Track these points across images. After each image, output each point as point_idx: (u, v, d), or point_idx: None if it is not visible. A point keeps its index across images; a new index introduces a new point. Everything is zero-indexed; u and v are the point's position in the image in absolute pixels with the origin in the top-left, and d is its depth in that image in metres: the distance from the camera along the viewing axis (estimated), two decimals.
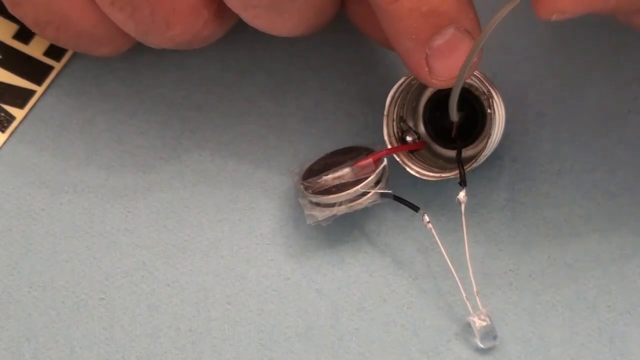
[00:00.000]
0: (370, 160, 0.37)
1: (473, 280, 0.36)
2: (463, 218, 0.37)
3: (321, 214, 0.37)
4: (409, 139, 0.39)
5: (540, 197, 0.39)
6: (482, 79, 0.37)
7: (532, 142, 0.40)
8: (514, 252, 0.38)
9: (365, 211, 0.38)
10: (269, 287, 0.38)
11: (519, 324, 0.37)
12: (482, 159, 0.37)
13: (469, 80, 0.37)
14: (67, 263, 0.38)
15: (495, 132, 0.37)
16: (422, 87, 0.40)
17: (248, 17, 0.36)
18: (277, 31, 0.37)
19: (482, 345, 0.36)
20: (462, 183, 0.37)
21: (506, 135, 0.40)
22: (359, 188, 0.37)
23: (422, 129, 0.40)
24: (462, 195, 0.37)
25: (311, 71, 0.42)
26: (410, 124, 0.40)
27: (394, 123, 0.39)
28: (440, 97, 0.39)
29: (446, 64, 0.35)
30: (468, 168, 0.37)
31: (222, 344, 0.37)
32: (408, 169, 0.39)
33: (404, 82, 0.38)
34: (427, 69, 0.35)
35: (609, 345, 0.36)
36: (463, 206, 0.37)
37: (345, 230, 0.39)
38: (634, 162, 0.40)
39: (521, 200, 0.39)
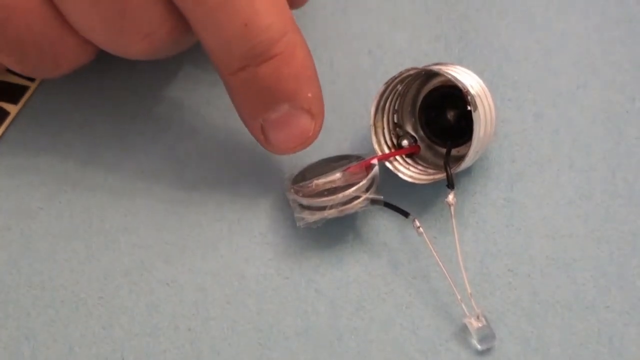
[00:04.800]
0: (361, 165, 0.38)
1: (467, 283, 0.36)
2: (453, 220, 0.37)
3: (311, 217, 0.37)
4: (405, 143, 0.39)
5: (540, 197, 0.39)
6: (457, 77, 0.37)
7: (532, 143, 0.40)
8: (513, 252, 0.38)
9: (365, 212, 0.38)
10: (268, 287, 0.38)
11: (518, 323, 0.37)
12: (470, 157, 0.37)
13: (453, 74, 0.37)
14: (66, 262, 0.39)
15: (479, 131, 0.37)
16: (417, 91, 0.40)
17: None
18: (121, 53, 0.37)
19: (479, 347, 0.36)
20: (450, 185, 0.37)
21: (506, 135, 0.40)
22: (350, 192, 0.37)
23: (421, 132, 0.40)
24: (450, 197, 0.37)
25: None
26: (409, 128, 0.40)
27: (384, 131, 0.39)
28: (433, 97, 0.39)
29: (280, 136, 0.36)
30: (458, 169, 0.37)
31: (221, 343, 0.37)
32: (400, 175, 0.39)
33: (385, 89, 0.38)
34: (263, 137, 0.36)
35: (607, 346, 0.36)
36: (452, 209, 0.37)
37: (344, 230, 0.39)
38: (634, 162, 0.40)
39: (521, 200, 0.39)
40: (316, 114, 0.36)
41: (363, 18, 0.43)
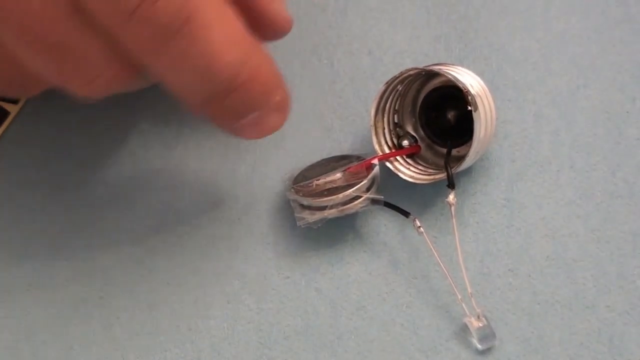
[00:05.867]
0: (361, 165, 0.38)
1: (467, 282, 0.36)
2: (453, 220, 0.37)
3: (312, 217, 0.37)
4: (405, 143, 0.39)
5: (540, 197, 0.39)
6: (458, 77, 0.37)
7: (532, 143, 0.40)
8: (513, 252, 0.38)
9: (365, 211, 0.39)
10: (269, 286, 0.38)
11: (518, 323, 0.37)
12: (470, 157, 0.37)
13: (453, 73, 0.37)
14: (66, 262, 0.39)
15: (480, 131, 0.37)
16: (418, 91, 0.40)
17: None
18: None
19: (479, 346, 0.36)
20: (450, 185, 0.37)
21: (506, 135, 0.40)
22: (351, 192, 0.37)
23: (421, 132, 0.40)
24: (451, 197, 0.37)
25: (309, 81, 0.42)
26: (409, 128, 0.40)
27: (385, 131, 0.39)
28: (434, 98, 0.39)
29: (251, 134, 0.36)
30: (458, 169, 0.37)
31: (221, 342, 0.37)
32: (401, 175, 0.39)
33: (385, 90, 0.38)
34: (235, 134, 0.36)
35: (607, 345, 0.36)
36: (453, 208, 0.37)
37: (344, 229, 0.39)
38: (634, 162, 0.40)
39: (521, 200, 0.39)
40: (284, 108, 0.36)
41: (363, 18, 0.43)
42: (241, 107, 0.35)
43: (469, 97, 0.37)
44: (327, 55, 0.43)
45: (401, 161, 0.39)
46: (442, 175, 0.38)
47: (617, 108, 0.41)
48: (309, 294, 0.38)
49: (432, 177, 0.38)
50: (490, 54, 0.42)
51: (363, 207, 0.37)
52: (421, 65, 0.38)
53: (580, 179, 0.39)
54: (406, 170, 0.39)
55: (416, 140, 0.40)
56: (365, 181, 0.37)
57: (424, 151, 0.40)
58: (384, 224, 0.39)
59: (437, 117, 0.39)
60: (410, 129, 0.40)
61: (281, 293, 0.38)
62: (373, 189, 0.38)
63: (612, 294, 0.37)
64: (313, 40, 0.43)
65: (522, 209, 0.39)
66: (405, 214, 0.38)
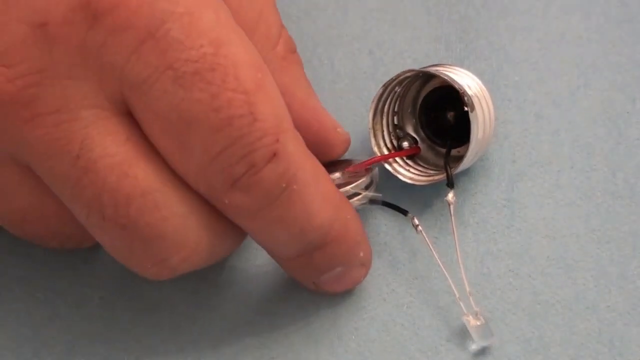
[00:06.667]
0: (361, 165, 0.38)
1: (465, 281, 0.36)
2: (452, 219, 0.37)
3: None
4: (405, 144, 0.39)
5: (540, 197, 0.39)
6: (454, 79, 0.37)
7: (532, 143, 0.40)
8: (513, 252, 0.38)
9: (365, 211, 0.38)
10: (269, 286, 0.38)
11: (519, 324, 0.37)
12: (469, 158, 0.37)
13: (451, 75, 0.37)
14: (66, 261, 0.38)
15: (477, 131, 0.37)
16: (417, 92, 0.40)
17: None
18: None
19: (475, 346, 0.36)
20: (450, 185, 0.37)
21: (506, 136, 0.40)
22: (349, 188, 0.37)
23: (421, 133, 0.40)
24: (450, 196, 0.37)
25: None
26: (410, 129, 0.40)
27: (383, 133, 0.39)
28: (434, 98, 0.39)
29: (333, 289, 0.37)
30: (457, 169, 0.37)
31: (221, 342, 0.37)
32: (400, 177, 0.39)
33: (383, 92, 0.38)
34: (314, 288, 0.37)
35: (608, 346, 0.36)
36: (452, 207, 0.37)
37: None
38: (634, 162, 0.40)
39: (521, 200, 0.39)
40: (367, 262, 0.37)
41: (363, 18, 0.43)
42: (327, 263, 0.35)
43: (465, 98, 0.37)
44: (327, 55, 0.43)
45: (401, 162, 0.39)
46: (442, 176, 0.38)
47: (617, 108, 0.41)
48: (309, 294, 0.38)
49: (431, 178, 0.38)
50: (490, 54, 0.42)
51: (361, 204, 0.37)
52: (419, 67, 0.38)
53: (581, 179, 0.39)
54: (405, 172, 0.39)
55: (416, 142, 0.40)
56: (364, 179, 0.37)
57: (424, 152, 0.40)
58: (384, 224, 0.39)
59: (437, 117, 0.39)
60: (410, 130, 0.40)
61: (281, 292, 0.38)
62: (372, 188, 0.38)
63: (612, 295, 0.37)
64: (313, 40, 0.43)
65: (522, 209, 0.39)
66: (404, 212, 0.38)
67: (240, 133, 0.31)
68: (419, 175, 0.39)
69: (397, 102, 0.39)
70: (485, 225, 0.39)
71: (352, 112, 0.41)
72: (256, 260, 0.38)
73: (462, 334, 0.37)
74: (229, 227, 0.34)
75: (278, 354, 0.37)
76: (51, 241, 0.36)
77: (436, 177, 0.38)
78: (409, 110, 0.40)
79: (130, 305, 0.38)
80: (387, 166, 0.39)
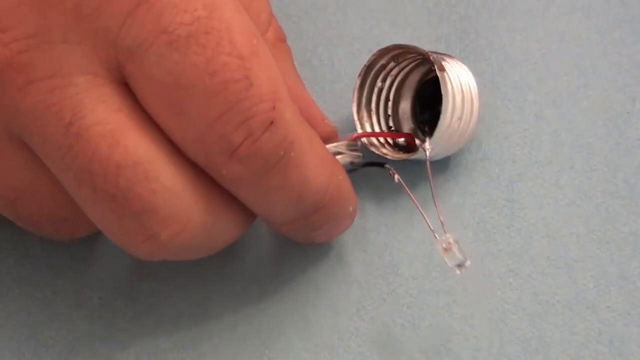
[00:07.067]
0: (347, 138, 0.38)
1: (438, 211, 0.36)
2: (427, 164, 0.37)
3: None
4: (401, 140, 0.39)
5: (540, 197, 0.39)
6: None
7: (532, 143, 0.40)
8: (513, 252, 0.38)
9: (365, 211, 0.38)
10: (269, 285, 0.38)
11: (519, 324, 0.37)
12: (441, 124, 0.37)
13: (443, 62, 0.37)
14: (66, 261, 0.38)
15: (451, 91, 0.37)
16: (408, 84, 0.40)
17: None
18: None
19: (455, 268, 0.35)
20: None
21: (506, 136, 0.40)
22: (331, 146, 0.36)
23: (421, 135, 0.40)
24: (427, 145, 0.37)
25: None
26: (409, 130, 0.40)
27: (372, 122, 0.39)
28: (426, 86, 0.39)
29: (323, 239, 0.37)
30: (434, 153, 0.37)
31: (221, 342, 0.37)
32: (383, 155, 0.39)
33: (362, 83, 0.39)
34: (310, 241, 0.37)
35: (608, 346, 0.36)
36: (428, 152, 0.37)
37: None
38: (634, 162, 0.40)
39: (521, 200, 0.39)
40: (354, 215, 0.37)
41: (363, 18, 0.43)
42: (321, 222, 0.35)
43: (431, 57, 0.37)
44: (327, 55, 0.43)
45: (389, 149, 0.39)
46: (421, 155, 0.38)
47: (617, 108, 0.41)
48: (309, 294, 0.38)
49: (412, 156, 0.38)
50: (490, 54, 0.42)
51: (344, 164, 0.37)
52: (386, 45, 0.38)
53: (581, 180, 0.39)
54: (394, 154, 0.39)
55: (413, 140, 0.40)
56: (345, 140, 0.37)
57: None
58: (384, 224, 0.39)
59: (432, 112, 0.39)
60: (407, 117, 0.40)
61: (281, 292, 0.38)
62: (355, 151, 0.37)
63: (612, 295, 0.37)
64: (313, 40, 0.43)
65: (522, 209, 0.39)
66: (381, 164, 0.37)
67: (236, 98, 0.31)
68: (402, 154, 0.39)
69: (392, 91, 0.39)
70: (485, 225, 0.39)
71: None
72: (256, 260, 0.38)
73: (462, 334, 0.37)
74: (227, 209, 0.34)
75: (278, 354, 0.37)
76: (45, 225, 0.35)
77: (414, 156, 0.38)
78: (407, 117, 0.40)
79: (130, 305, 0.38)
80: (373, 149, 0.39)
